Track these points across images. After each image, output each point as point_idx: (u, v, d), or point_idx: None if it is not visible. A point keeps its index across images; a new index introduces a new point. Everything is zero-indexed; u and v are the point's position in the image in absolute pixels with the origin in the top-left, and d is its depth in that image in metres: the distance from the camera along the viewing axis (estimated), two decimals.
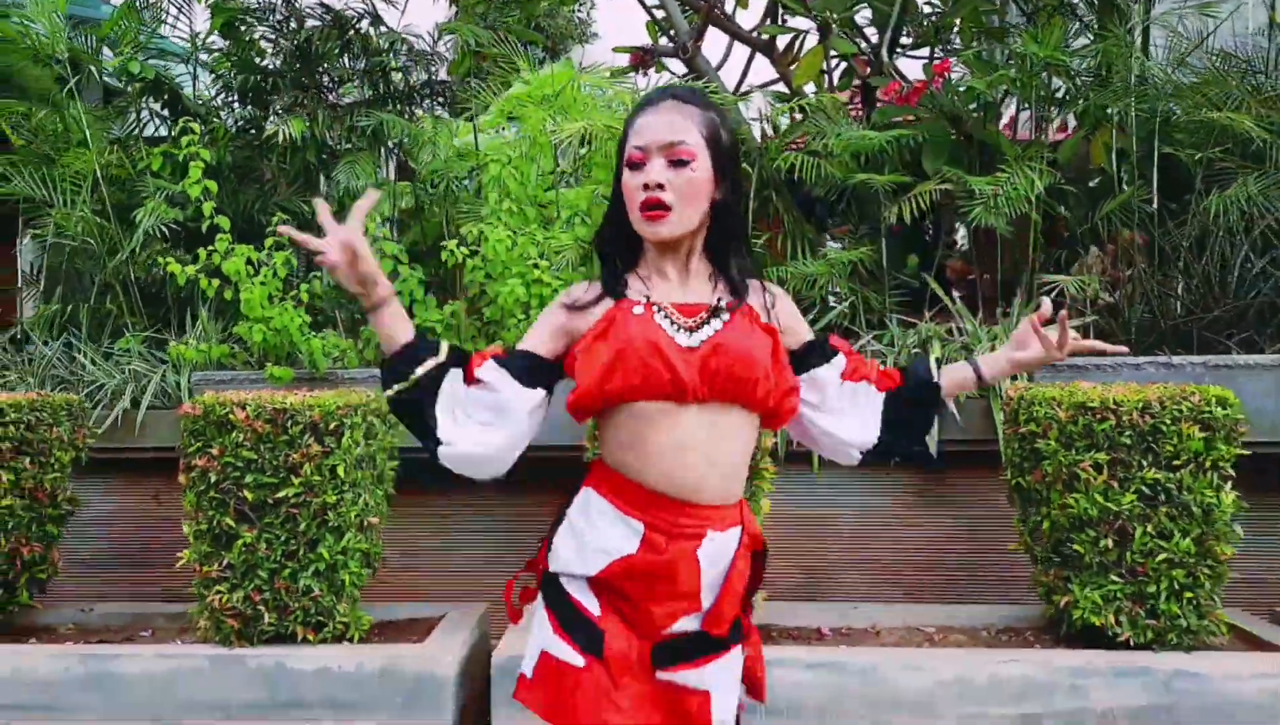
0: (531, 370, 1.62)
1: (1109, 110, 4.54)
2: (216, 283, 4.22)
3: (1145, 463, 3.11)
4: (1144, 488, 3.11)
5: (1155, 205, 4.47)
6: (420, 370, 1.55)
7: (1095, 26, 4.92)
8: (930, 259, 5.76)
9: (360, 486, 3.40)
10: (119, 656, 3.32)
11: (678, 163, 1.54)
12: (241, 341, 4.35)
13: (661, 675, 1.58)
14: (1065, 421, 3.17)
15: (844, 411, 1.74)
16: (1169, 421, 3.09)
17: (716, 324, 1.60)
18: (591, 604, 1.58)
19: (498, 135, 4.60)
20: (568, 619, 1.58)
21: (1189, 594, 3.10)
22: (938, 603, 3.90)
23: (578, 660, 1.55)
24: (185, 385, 4.26)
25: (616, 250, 1.67)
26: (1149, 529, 3.10)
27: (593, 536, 1.60)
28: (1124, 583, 3.13)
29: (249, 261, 4.21)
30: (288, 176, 4.97)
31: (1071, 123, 5.25)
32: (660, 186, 1.53)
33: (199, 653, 3.31)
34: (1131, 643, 3.12)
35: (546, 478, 4.10)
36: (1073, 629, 3.26)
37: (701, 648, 1.60)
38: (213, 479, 3.29)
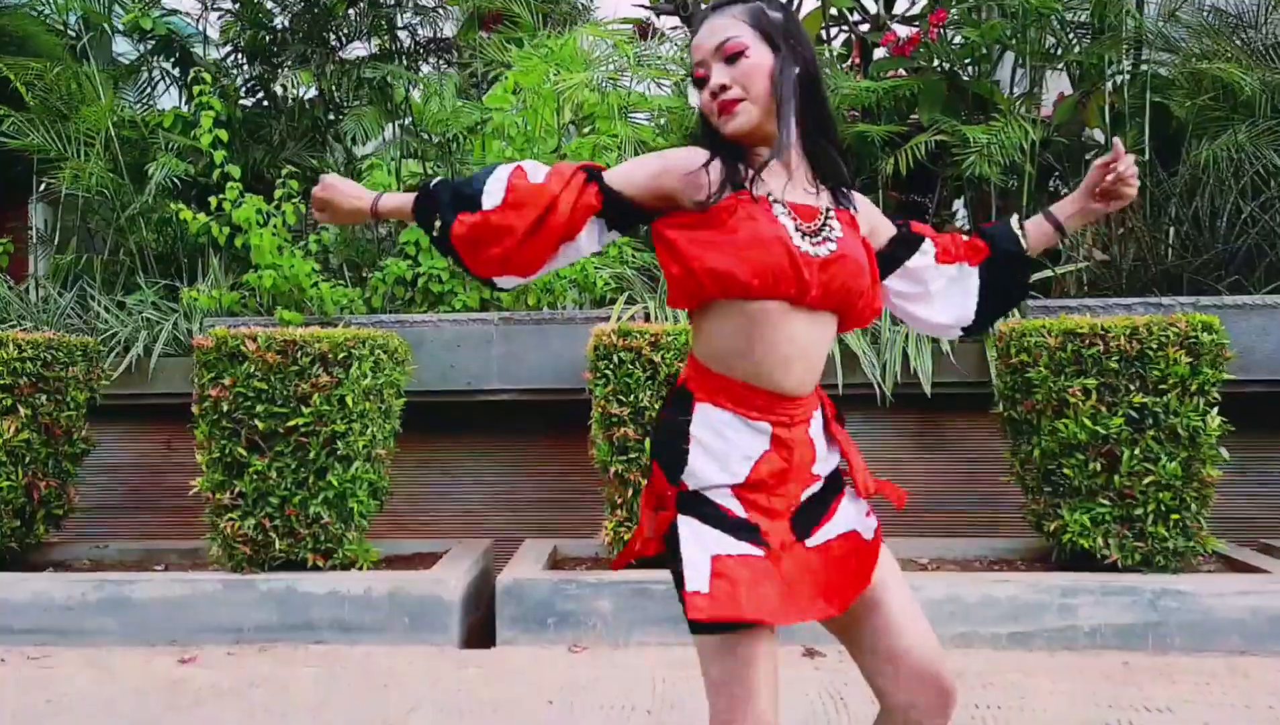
0: (621, 220, 1.63)
1: (1105, 72, 4.59)
2: (228, 230, 4.29)
3: (1133, 387, 3.17)
4: (1131, 412, 3.17)
5: (1147, 155, 4.53)
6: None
7: None
8: (926, 220, 5.82)
9: (368, 417, 3.47)
10: (134, 582, 3.40)
11: (731, 59, 1.55)
12: (252, 290, 4.43)
13: (811, 543, 1.61)
14: (1054, 347, 3.24)
15: (942, 295, 1.75)
16: (1155, 347, 3.15)
17: (835, 231, 1.59)
18: (737, 507, 1.58)
19: (499, 83, 4.64)
20: (727, 524, 1.57)
21: (1175, 516, 3.16)
22: (932, 538, 3.97)
23: (757, 552, 1.54)
24: (197, 332, 4.34)
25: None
26: (1136, 452, 3.16)
27: (730, 448, 1.59)
28: (1112, 505, 3.19)
29: (259, 211, 4.28)
30: (295, 133, 5.04)
31: (1067, 91, 5.30)
32: (724, 88, 1.55)
33: (212, 578, 3.39)
34: (1120, 565, 3.19)
35: (545, 419, 4.21)
36: (1063, 555, 3.33)
37: (824, 502, 1.65)
38: (225, 409, 3.36)
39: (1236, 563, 3.39)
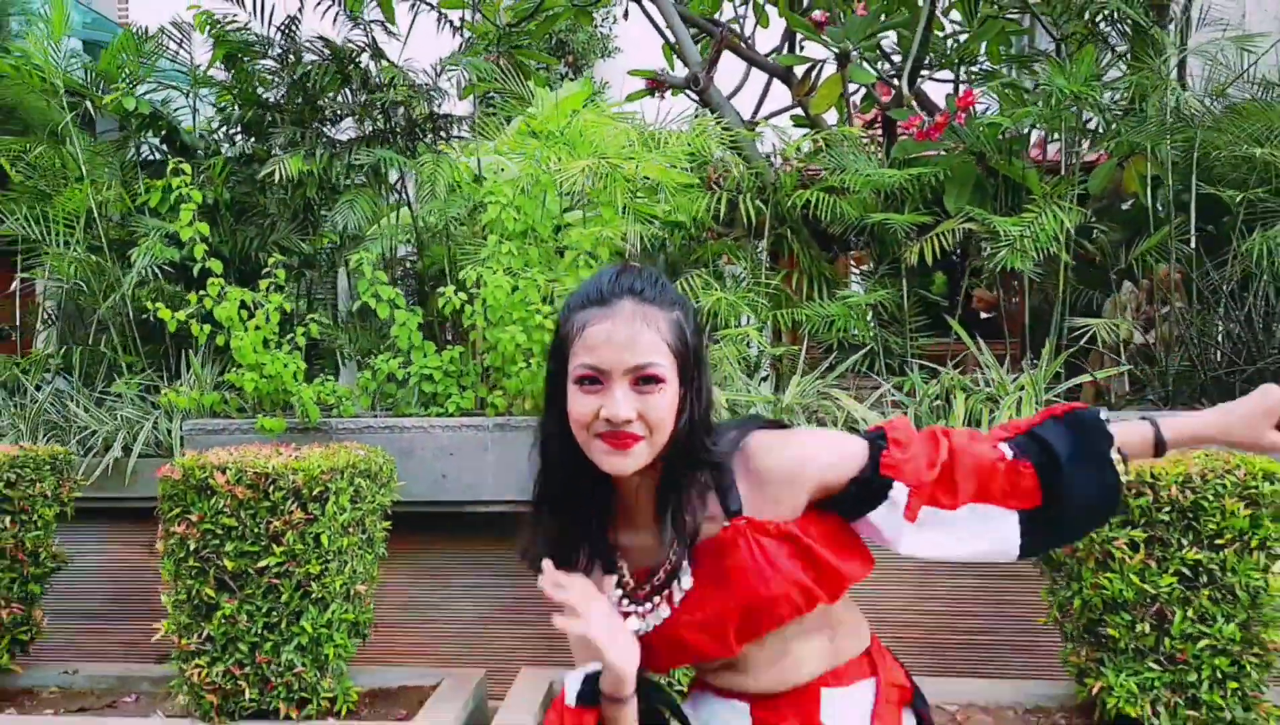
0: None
1: (1135, 141, 4.29)
2: (209, 329, 4.06)
3: (1185, 541, 2.86)
4: (1184, 568, 2.86)
5: (1193, 244, 4.22)
6: None
7: (1128, 57, 4.66)
8: (957, 282, 5.53)
9: (347, 553, 3.22)
10: None
11: (643, 384, 1.28)
12: (235, 387, 4.19)
13: None
14: None
15: (949, 532, 1.40)
16: (1211, 497, 2.84)
17: (674, 591, 1.37)
18: None
19: (497, 177, 4.39)
20: None
21: (1233, 684, 2.85)
22: (959, 674, 3.66)
23: None
24: (177, 432, 4.12)
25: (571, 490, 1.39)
26: (1189, 613, 2.85)
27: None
28: (1162, 670, 2.88)
29: (243, 305, 4.05)
30: (287, 213, 4.82)
31: (1105, 150, 5.00)
32: (628, 421, 1.27)
33: None
34: None
35: None
36: (1106, 716, 3.01)
37: None
38: (192, 546, 3.13)
39: None
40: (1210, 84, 4.39)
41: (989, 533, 1.40)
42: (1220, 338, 4.00)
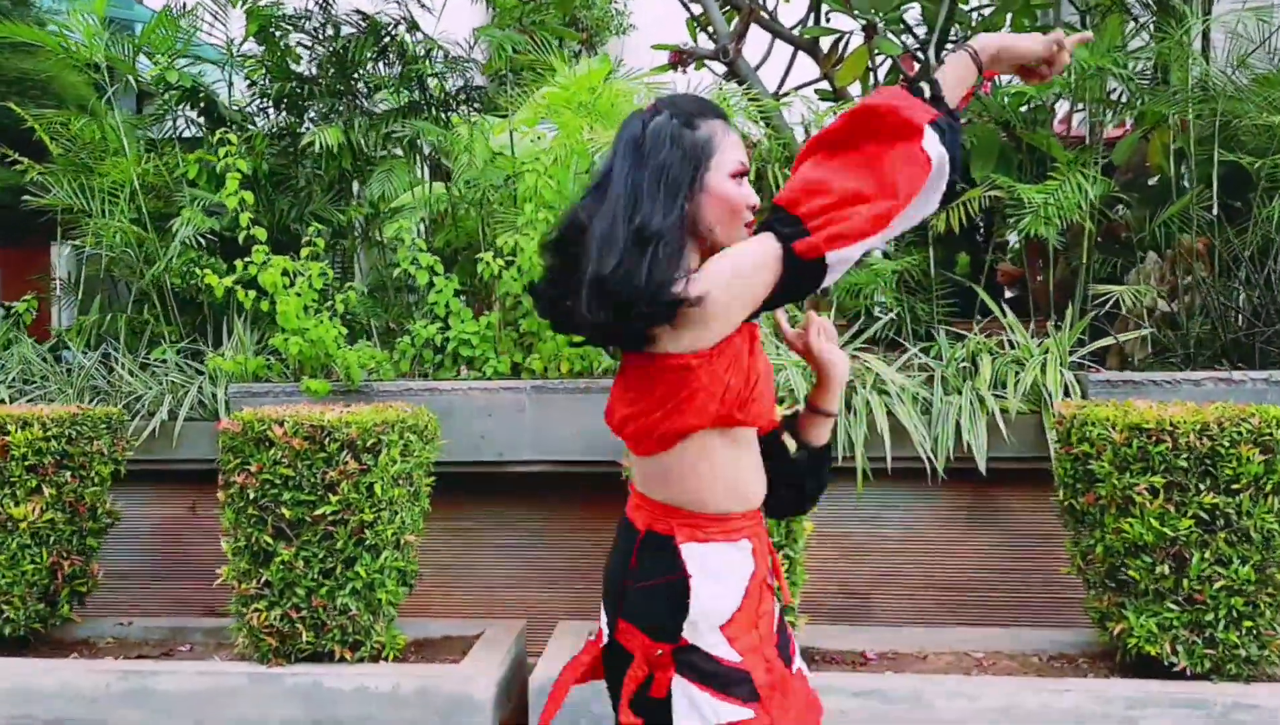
0: None
1: (1168, 118, 4.50)
2: (253, 294, 4.32)
3: (1203, 487, 3.10)
4: (1202, 512, 3.09)
5: (1215, 211, 4.43)
6: None
7: (1151, 28, 4.88)
8: (981, 260, 5.75)
9: (397, 504, 3.47)
10: (159, 673, 3.43)
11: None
12: (277, 353, 4.45)
13: (795, 666, 1.74)
14: (1120, 443, 3.17)
15: None
16: (1227, 444, 3.07)
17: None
18: (728, 651, 1.59)
19: (532, 143, 4.63)
20: (720, 680, 1.57)
21: (1248, 623, 3.08)
22: (986, 625, 3.90)
23: (748, 714, 1.56)
24: (222, 397, 4.37)
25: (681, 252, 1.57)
26: (1207, 555, 3.09)
27: (723, 580, 1.61)
28: (1181, 610, 3.12)
29: (284, 272, 4.30)
30: (323, 184, 5.07)
31: (1129, 120, 5.21)
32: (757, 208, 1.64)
33: (237, 670, 3.41)
34: (1189, 672, 3.11)
35: (574, 491, 4.19)
36: (1128, 657, 3.26)
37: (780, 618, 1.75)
38: (251, 496, 3.38)
39: None
40: (1232, 55, 4.59)
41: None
42: (1240, 302, 4.21)
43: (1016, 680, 3.26)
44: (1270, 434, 3.07)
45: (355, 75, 5.05)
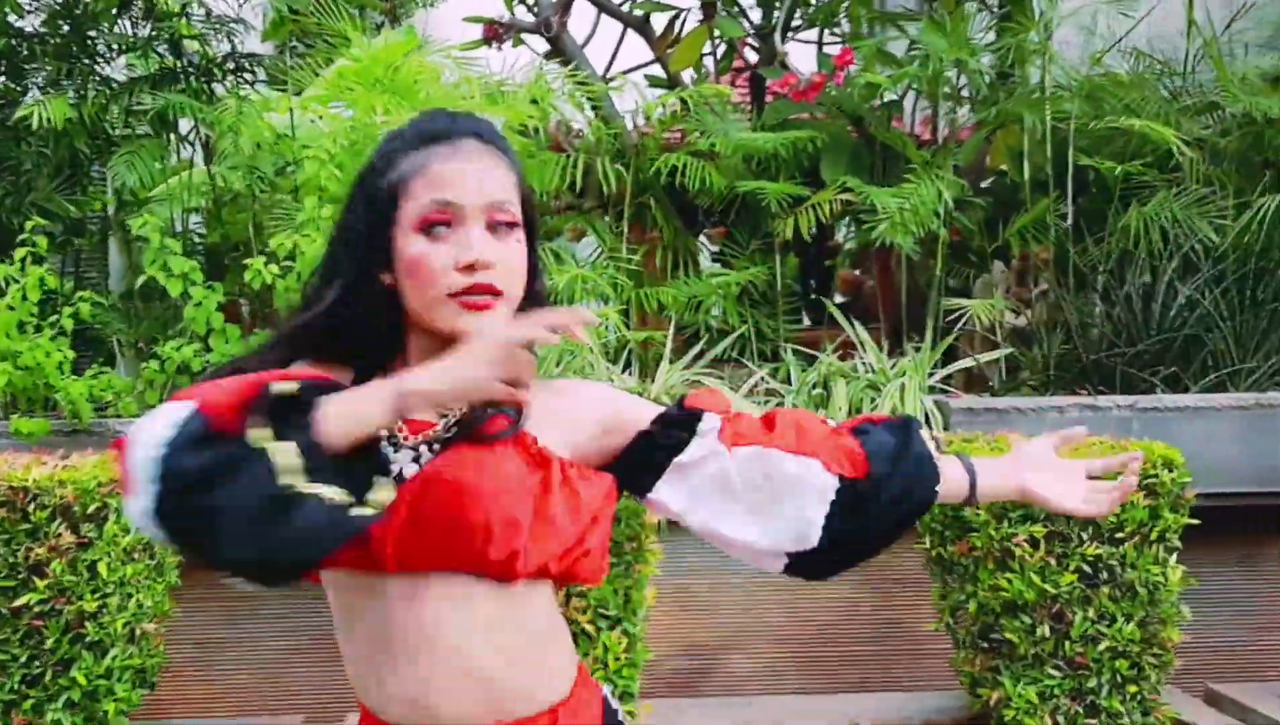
0: None
1: (1022, 120, 4.37)
2: None
3: (1085, 536, 2.89)
4: (1084, 565, 2.88)
5: (1070, 220, 4.33)
6: None
7: (998, 22, 4.76)
8: (816, 264, 5.54)
9: (131, 585, 2.84)
10: None
11: (497, 229, 1.13)
12: None
13: None
14: None
15: (752, 494, 1.23)
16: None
17: (429, 446, 1.14)
18: None
19: (314, 123, 4.03)
20: None
21: (1133, 688, 2.91)
22: (845, 688, 3.62)
23: None
24: None
25: (366, 342, 1.17)
26: (1090, 613, 2.88)
27: None
28: (1062, 676, 2.91)
29: None
30: (50, 167, 4.29)
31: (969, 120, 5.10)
32: (489, 265, 1.11)
33: None
34: None
35: None
36: None
37: None
38: None
39: None
40: (1087, 53, 4.51)
41: (794, 503, 1.24)
42: (1100, 319, 4.11)
43: None
44: (1155, 476, 2.90)
45: (92, 34, 4.28)
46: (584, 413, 1.23)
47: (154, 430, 0.94)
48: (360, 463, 1.02)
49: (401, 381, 1.03)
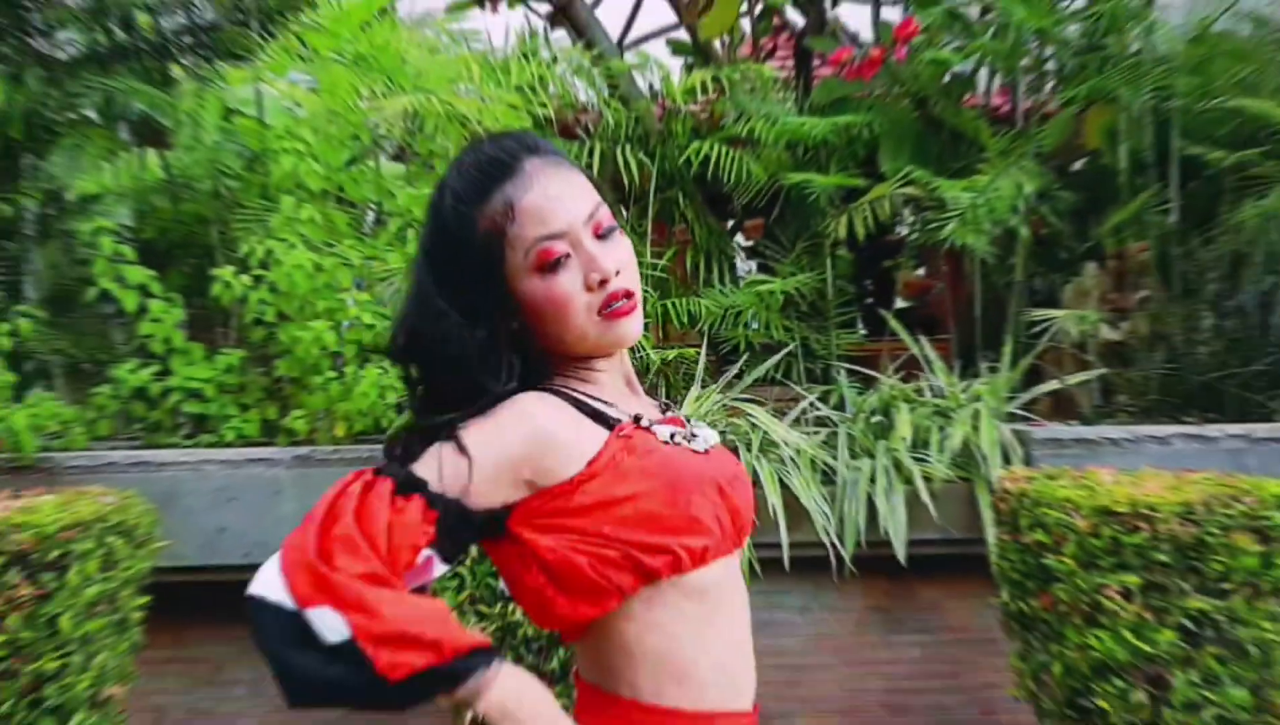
0: (461, 541, 1.40)
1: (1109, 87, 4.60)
2: None
3: (1187, 586, 3.11)
4: (1185, 620, 3.10)
5: (1175, 216, 4.56)
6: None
7: None
8: (871, 265, 5.78)
9: (95, 642, 3.10)
10: None
11: (607, 236, 1.43)
12: None
13: None
14: (1085, 532, 3.15)
15: None
16: (1217, 530, 3.10)
17: (711, 437, 1.52)
18: None
19: (288, 110, 4.31)
20: None
21: None
22: None
23: None
24: None
25: (509, 371, 1.44)
26: (1193, 675, 3.10)
27: None
28: None
29: None
30: None
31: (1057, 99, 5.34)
32: (619, 272, 1.42)
33: None
34: None
35: None
36: None
37: None
38: None
39: None
40: (1193, 18, 4.76)
41: None
42: (1209, 333, 4.34)
43: None
44: (1268, 517, 3.11)
45: (26, 6, 4.57)
46: None
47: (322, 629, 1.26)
48: None
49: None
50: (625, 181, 4.56)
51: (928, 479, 3.88)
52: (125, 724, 3.30)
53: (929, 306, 5.91)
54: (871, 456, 3.96)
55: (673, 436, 1.45)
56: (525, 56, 4.71)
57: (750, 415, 4.00)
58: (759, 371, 4.33)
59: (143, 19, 4.58)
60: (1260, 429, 3.95)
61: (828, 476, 3.95)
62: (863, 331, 5.24)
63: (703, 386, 4.21)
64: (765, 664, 4.09)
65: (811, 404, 4.22)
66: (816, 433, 4.06)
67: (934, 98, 4.59)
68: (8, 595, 2.96)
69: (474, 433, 1.35)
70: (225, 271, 3.92)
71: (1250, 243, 4.33)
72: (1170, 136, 4.51)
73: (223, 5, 4.98)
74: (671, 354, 4.48)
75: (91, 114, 4.54)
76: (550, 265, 1.39)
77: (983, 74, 5.32)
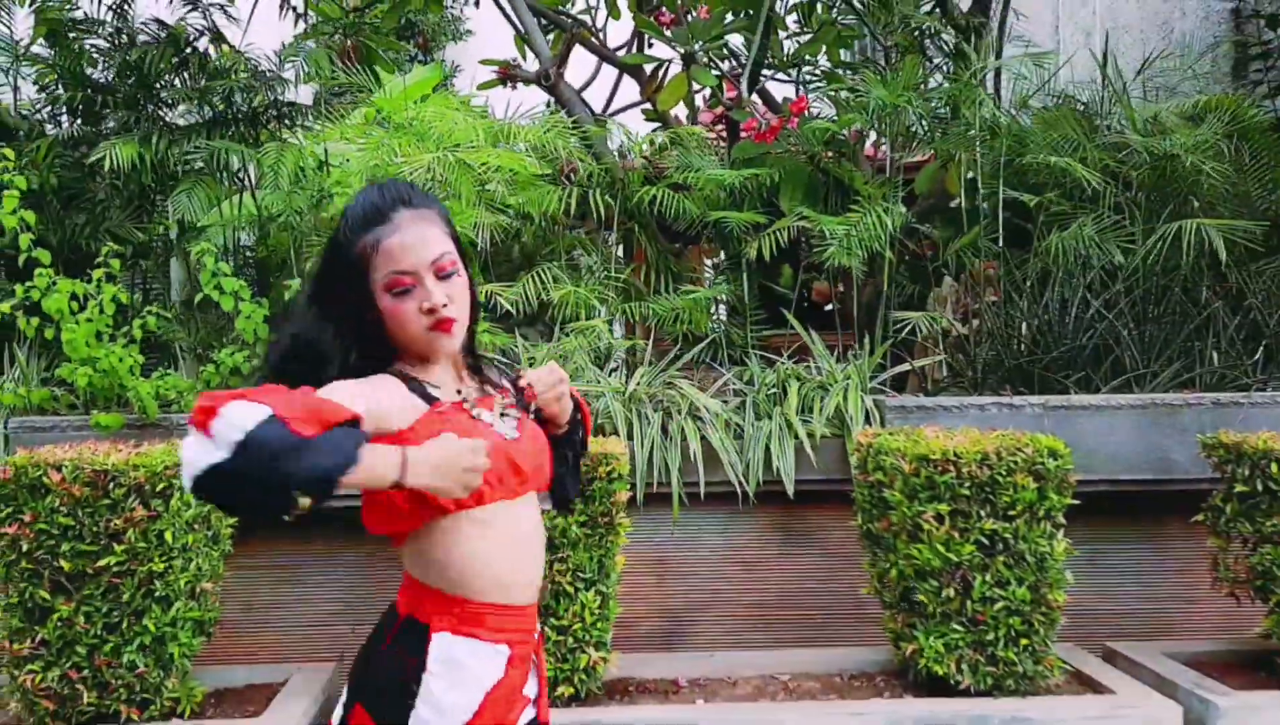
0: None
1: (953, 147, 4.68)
2: (36, 321, 3.93)
3: (984, 513, 3.22)
4: (983, 538, 3.21)
5: (1001, 244, 4.64)
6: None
7: (946, 69, 5.08)
8: (800, 275, 5.86)
9: (192, 550, 3.21)
10: None
11: (446, 276, 1.53)
12: (66, 383, 4.06)
13: None
14: (909, 473, 3.25)
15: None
16: (1005, 473, 3.20)
17: (514, 413, 1.64)
18: None
19: (343, 165, 4.40)
20: None
21: (1025, 640, 3.23)
22: (797, 645, 3.95)
23: None
24: (0, 432, 3.95)
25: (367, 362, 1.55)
26: (988, 578, 3.21)
27: (466, 683, 1.51)
28: (965, 631, 3.23)
29: (74, 296, 3.93)
30: (121, 200, 4.68)
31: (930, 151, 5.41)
32: (445, 305, 1.51)
33: None
34: (972, 690, 3.23)
35: None
36: (919, 676, 3.35)
37: None
38: (25, 548, 3.05)
39: (1085, 678, 3.47)
40: (1016, 95, 4.83)
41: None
42: (1022, 330, 4.43)
43: (817, 705, 3.30)
44: (1042, 463, 3.22)
45: (155, 86, 4.67)
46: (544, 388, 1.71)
47: (241, 415, 1.27)
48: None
49: (406, 470, 1.36)
50: (595, 216, 4.65)
51: (810, 435, 3.97)
52: (218, 610, 3.41)
53: (835, 310, 5.99)
54: (770, 418, 4.05)
55: (478, 414, 1.57)
56: (526, 125, 4.79)
57: (681, 389, 4.10)
58: (690, 356, 4.42)
59: (237, 97, 4.67)
60: (1054, 399, 4.04)
61: (738, 433, 4.03)
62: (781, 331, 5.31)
63: (649, 366, 4.30)
64: (688, 572, 4.17)
65: (730, 380, 4.31)
66: (731, 401, 4.15)
67: (821, 154, 4.67)
68: (127, 516, 3.07)
69: (351, 385, 1.46)
70: (293, 282, 4.02)
71: (1054, 262, 4.41)
72: (999, 183, 4.58)
73: (307, 81, 5.06)
74: (630, 343, 4.58)
75: (201, 166, 4.62)
76: (398, 291, 1.51)
77: (871, 135, 5.40)
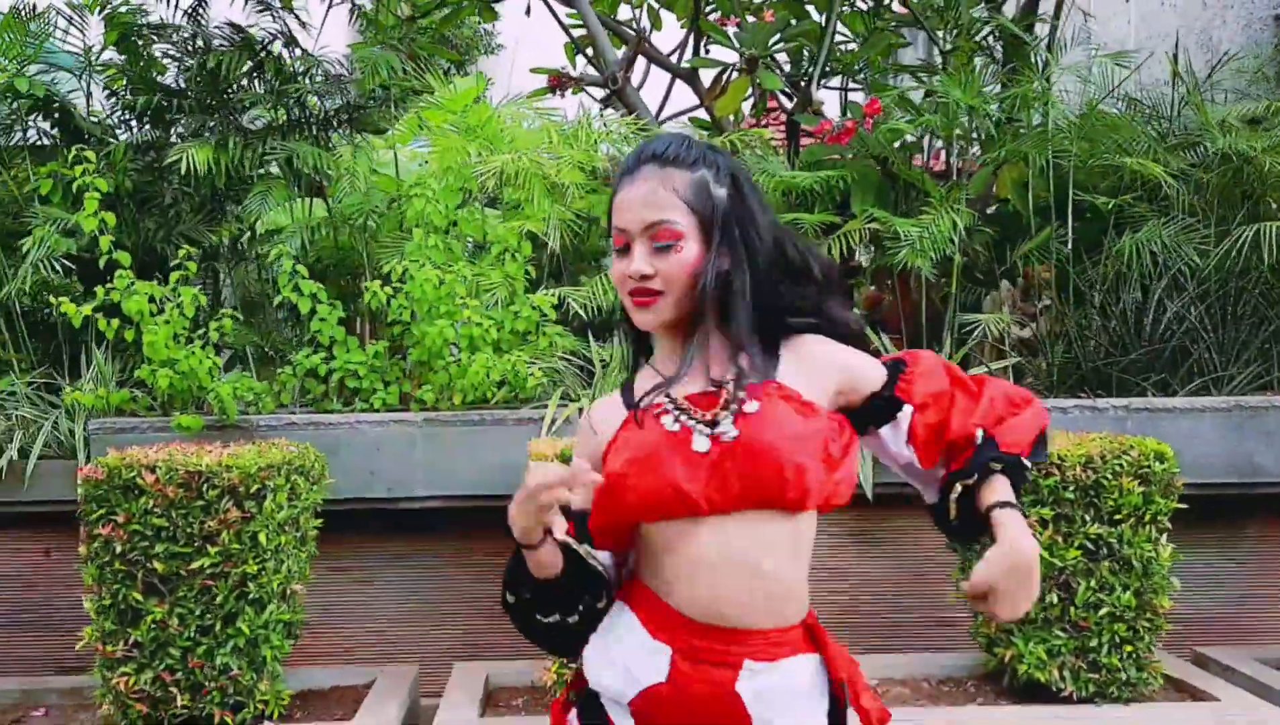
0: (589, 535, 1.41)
1: (1027, 158, 4.54)
2: (116, 323, 3.82)
3: (1088, 518, 3.07)
4: (1087, 542, 3.07)
5: (1070, 246, 4.50)
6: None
7: (1004, 73, 4.95)
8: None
9: (283, 552, 3.09)
10: None
11: (661, 248, 1.34)
12: (143, 385, 3.95)
13: None
14: None
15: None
16: (1110, 476, 3.06)
17: (728, 418, 1.33)
18: None
19: (419, 167, 4.29)
20: None
21: (1129, 647, 3.08)
22: (877, 651, 3.80)
23: None
24: (80, 433, 3.84)
25: (634, 334, 1.50)
26: (1092, 583, 3.07)
27: (619, 653, 1.38)
28: (1068, 637, 3.09)
29: (151, 299, 3.83)
30: (193, 203, 4.57)
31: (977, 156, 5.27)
32: (645, 277, 1.34)
33: None
34: (1074, 696, 3.08)
35: (467, 527, 3.88)
36: (1015, 681, 3.21)
37: None
38: (118, 549, 2.94)
39: (1182, 684, 3.31)
40: (1084, 97, 4.68)
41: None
42: (1097, 331, 4.27)
43: (910, 710, 3.16)
44: (1148, 467, 3.07)
45: (228, 90, 4.56)
46: (827, 376, 1.41)
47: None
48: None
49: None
50: None
51: None
52: (304, 612, 3.30)
53: (882, 315, 5.84)
54: None
55: (677, 420, 1.35)
56: (587, 127, 4.67)
57: None
58: None
59: (311, 101, 4.56)
60: (1138, 402, 3.89)
61: None
62: None
63: None
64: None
65: None
66: None
67: (891, 158, 4.53)
68: (221, 518, 2.96)
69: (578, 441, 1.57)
70: (373, 285, 3.91)
71: (1128, 264, 4.26)
72: (1068, 185, 4.43)
73: (369, 93, 4.95)
74: None
75: (275, 169, 4.51)
76: (617, 248, 1.39)
77: (926, 140, 5.26)
